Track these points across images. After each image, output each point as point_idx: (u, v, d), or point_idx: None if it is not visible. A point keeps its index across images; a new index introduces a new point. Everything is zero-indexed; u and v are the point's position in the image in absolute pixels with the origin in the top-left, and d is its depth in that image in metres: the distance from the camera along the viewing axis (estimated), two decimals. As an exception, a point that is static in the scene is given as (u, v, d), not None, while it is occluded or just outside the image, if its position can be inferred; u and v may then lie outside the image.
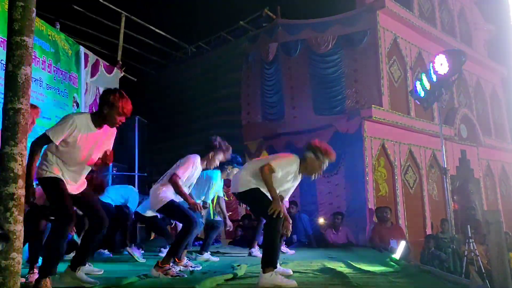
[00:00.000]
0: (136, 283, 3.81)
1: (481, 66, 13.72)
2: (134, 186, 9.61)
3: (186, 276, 4.27)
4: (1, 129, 2.62)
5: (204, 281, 3.57)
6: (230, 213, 9.38)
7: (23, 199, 2.55)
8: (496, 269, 2.38)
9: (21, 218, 2.50)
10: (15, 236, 2.45)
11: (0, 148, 2.53)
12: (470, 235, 6.74)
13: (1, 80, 5.12)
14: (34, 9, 2.65)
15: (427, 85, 7.83)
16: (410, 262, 5.65)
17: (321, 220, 8.97)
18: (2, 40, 6.33)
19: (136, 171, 9.68)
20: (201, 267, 5.00)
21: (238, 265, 4.75)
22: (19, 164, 2.52)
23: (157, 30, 11.45)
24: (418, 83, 8.26)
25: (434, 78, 7.47)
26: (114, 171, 9.10)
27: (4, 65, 2.69)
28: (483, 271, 6.29)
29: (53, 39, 8.04)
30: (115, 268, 5.04)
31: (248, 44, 11.42)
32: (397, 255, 6.08)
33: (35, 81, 7.18)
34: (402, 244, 6.50)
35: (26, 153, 2.63)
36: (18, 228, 2.48)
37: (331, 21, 10.24)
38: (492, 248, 2.47)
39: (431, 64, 7.56)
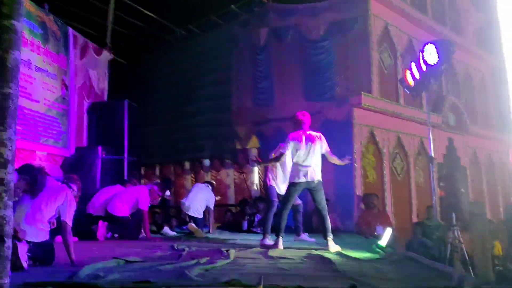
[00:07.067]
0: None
1: (470, 55, 13.76)
2: (123, 169, 9.61)
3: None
4: None
5: (194, 268, 3.62)
6: (219, 197, 9.42)
7: (12, 185, 2.54)
8: (479, 259, 2.44)
9: (11, 203, 2.50)
10: (4, 221, 2.45)
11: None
12: (454, 223, 6.84)
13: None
14: (23, -8, 2.61)
15: (417, 74, 7.86)
16: (396, 249, 5.75)
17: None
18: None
19: (125, 155, 9.65)
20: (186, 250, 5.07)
21: (227, 250, 4.80)
22: (9, 150, 2.50)
23: (146, 12, 11.31)
24: (407, 72, 8.29)
25: (424, 67, 7.50)
26: (103, 155, 9.06)
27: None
28: (467, 258, 6.40)
29: (42, 20, 7.93)
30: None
31: (239, 28, 11.33)
32: (383, 241, 6.17)
33: (23, 62, 7.08)
34: (388, 230, 6.58)
35: (15, 138, 2.61)
36: (7, 214, 2.47)
37: (322, 6, 10.15)
38: (476, 239, 2.54)
39: (420, 54, 7.58)
